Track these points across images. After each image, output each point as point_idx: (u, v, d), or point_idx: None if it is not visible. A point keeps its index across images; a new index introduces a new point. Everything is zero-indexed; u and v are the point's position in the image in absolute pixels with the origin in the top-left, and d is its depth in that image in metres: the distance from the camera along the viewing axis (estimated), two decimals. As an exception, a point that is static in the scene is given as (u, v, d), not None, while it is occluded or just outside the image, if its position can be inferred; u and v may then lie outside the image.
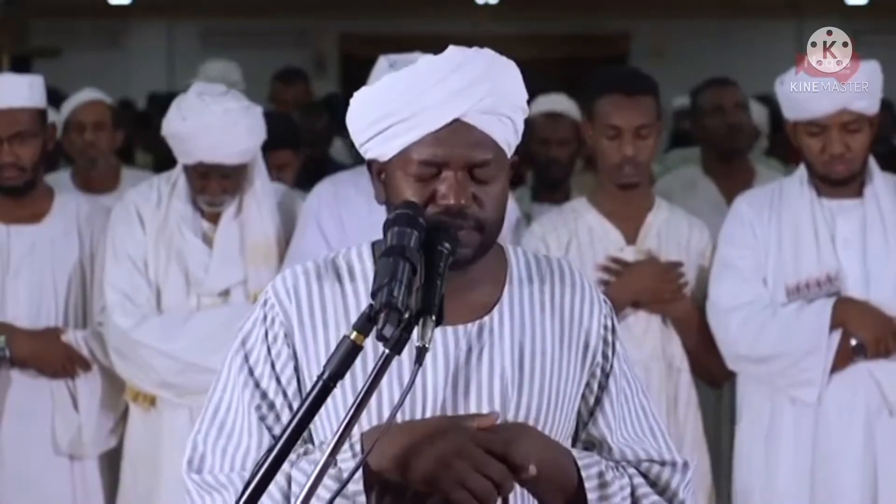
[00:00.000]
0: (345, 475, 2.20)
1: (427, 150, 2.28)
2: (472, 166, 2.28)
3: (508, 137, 2.33)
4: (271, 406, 2.33)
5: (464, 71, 2.29)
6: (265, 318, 2.36)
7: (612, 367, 2.43)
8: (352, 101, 2.37)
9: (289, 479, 2.25)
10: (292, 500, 2.23)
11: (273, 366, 2.34)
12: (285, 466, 2.22)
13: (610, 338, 2.43)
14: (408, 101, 2.28)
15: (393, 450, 2.21)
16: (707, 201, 4.84)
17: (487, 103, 2.29)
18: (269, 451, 2.12)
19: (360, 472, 2.20)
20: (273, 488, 2.21)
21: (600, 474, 2.33)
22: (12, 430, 4.44)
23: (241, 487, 2.18)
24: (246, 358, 2.35)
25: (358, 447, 2.24)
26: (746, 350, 4.27)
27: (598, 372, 2.42)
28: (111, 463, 4.60)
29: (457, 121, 2.28)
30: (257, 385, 2.34)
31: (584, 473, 2.32)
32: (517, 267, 2.43)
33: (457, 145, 2.28)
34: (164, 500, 4.39)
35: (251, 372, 2.34)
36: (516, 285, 2.40)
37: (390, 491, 2.24)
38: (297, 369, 2.33)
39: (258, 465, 2.11)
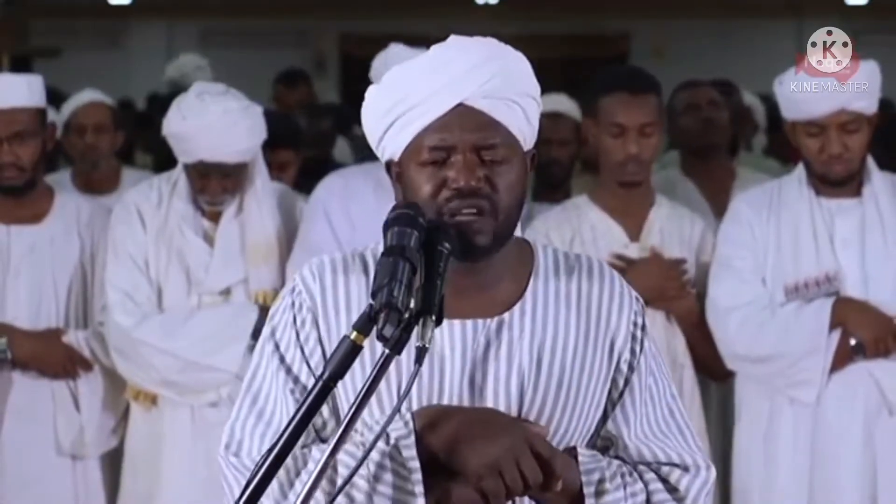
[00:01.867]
0: (402, 448, 2.22)
1: (435, 136, 2.30)
2: (479, 148, 2.29)
3: (519, 123, 2.34)
4: (304, 390, 2.34)
5: (466, 56, 2.31)
6: (293, 304, 2.37)
7: (638, 362, 2.41)
8: (364, 100, 2.39)
9: (335, 466, 2.26)
10: (338, 482, 2.24)
11: (303, 350, 2.35)
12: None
13: (639, 334, 2.42)
14: (412, 90, 2.31)
15: (429, 414, 2.25)
16: (687, 202, 4.84)
17: (491, 87, 2.30)
18: (270, 450, 2.12)
19: (413, 445, 2.23)
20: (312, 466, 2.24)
21: (601, 480, 2.32)
22: (14, 430, 4.44)
23: (282, 473, 2.19)
24: (276, 346, 2.37)
25: (410, 422, 2.26)
26: (745, 350, 4.27)
27: (625, 368, 2.41)
28: (112, 462, 4.61)
29: (461, 105, 2.30)
30: (289, 370, 2.35)
31: (584, 479, 2.31)
32: (544, 263, 2.42)
33: (463, 128, 2.29)
34: (166, 500, 4.39)
35: (282, 359, 2.36)
36: (542, 281, 2.40)
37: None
38: (323, 353, 2.35)
39: (259, 464, 2.12)
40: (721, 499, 4.54)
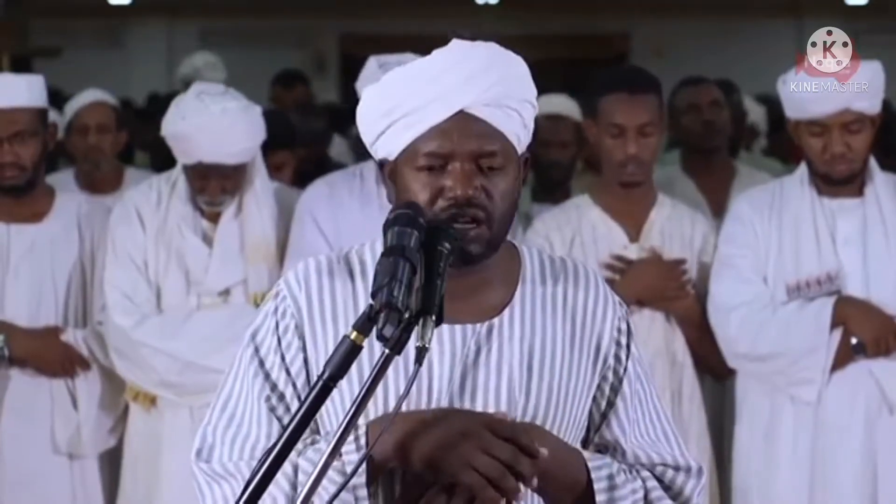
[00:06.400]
0: (348, 468, 2.21)
1: (433, 143, 2.28)
2: (478, 157, 2.28)
3: (517, 130, 2.33)
4: (281, 397, 2.34)
5: (467, 63, 2.30)
6: (276, 309, 2.36)
7: (626, 369, 2.41)
8: (360, 100, 2.38)
9: (296, 469, 2.26)
10: (298, 489, 2.24)
11: (283, 357, 2.34)
12: (292, 456, 2.23)
13: (624, 340, 2.42)
14: (412, 96, 2.29)
15: (395, 437, 2.22)
16: (686, 200, 4.84)
17: (492, 95, 2.29)
18: (270, 450, 2.12)
19: (363, 466, 2.21)
20: (280, 477, 2.22)
21: (610, 476, 2.33)
22: (11, 428, 4.45)
23: (248, 475, 2.17)
24: (256, 349, 2.36)
25: (363, 440, 2.24)
26: (746, 349, 4.27)
27: (611, 375, 2.41)
28: (111, 462, 4.60)
29: (461, 112, 2.29)
30: (267, 376, 2.34)
31: (594, 475, 2.32)
32: (531, 267, 2.42)
33: (462, 136, 2.28)
34: (165, 500, 4.39)
35: (262, 363, 2.35)
36: (529, 286, 2.39)
37: (399, 480, 2.25)
38: (305, 361, 2.34)
39: (259, 463, 2.11)
40: (721, 499, 4.54)
